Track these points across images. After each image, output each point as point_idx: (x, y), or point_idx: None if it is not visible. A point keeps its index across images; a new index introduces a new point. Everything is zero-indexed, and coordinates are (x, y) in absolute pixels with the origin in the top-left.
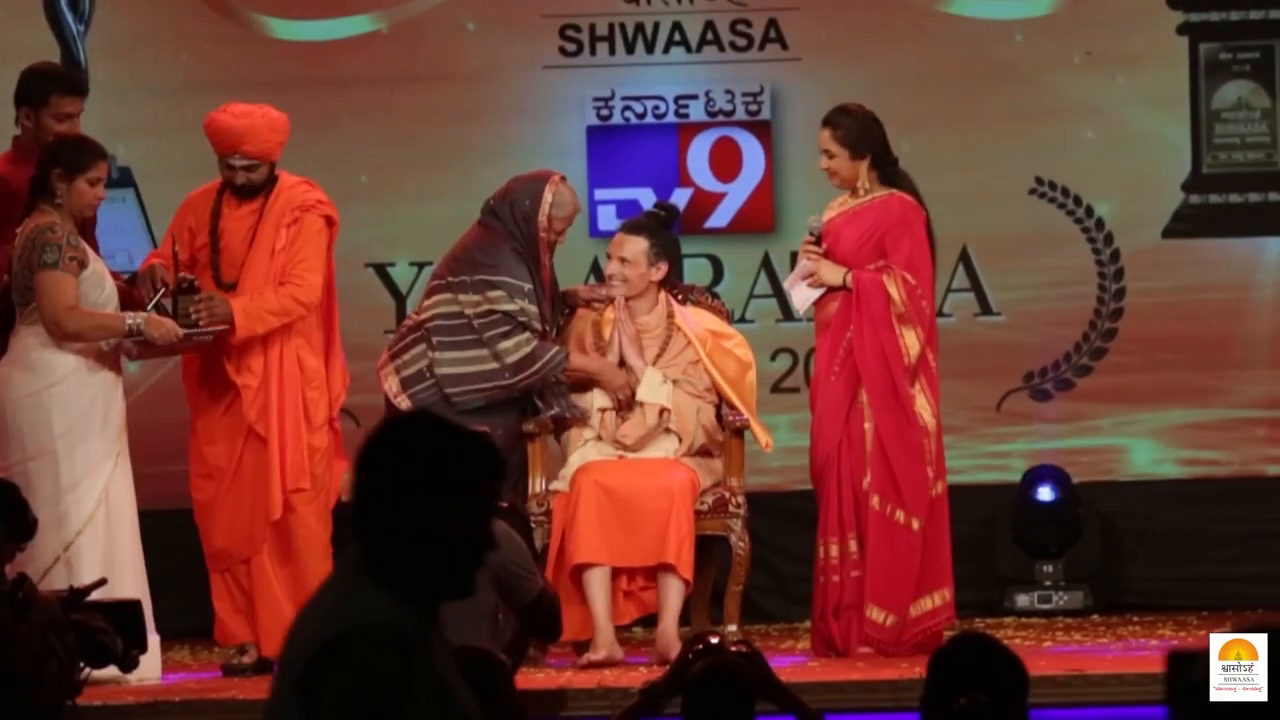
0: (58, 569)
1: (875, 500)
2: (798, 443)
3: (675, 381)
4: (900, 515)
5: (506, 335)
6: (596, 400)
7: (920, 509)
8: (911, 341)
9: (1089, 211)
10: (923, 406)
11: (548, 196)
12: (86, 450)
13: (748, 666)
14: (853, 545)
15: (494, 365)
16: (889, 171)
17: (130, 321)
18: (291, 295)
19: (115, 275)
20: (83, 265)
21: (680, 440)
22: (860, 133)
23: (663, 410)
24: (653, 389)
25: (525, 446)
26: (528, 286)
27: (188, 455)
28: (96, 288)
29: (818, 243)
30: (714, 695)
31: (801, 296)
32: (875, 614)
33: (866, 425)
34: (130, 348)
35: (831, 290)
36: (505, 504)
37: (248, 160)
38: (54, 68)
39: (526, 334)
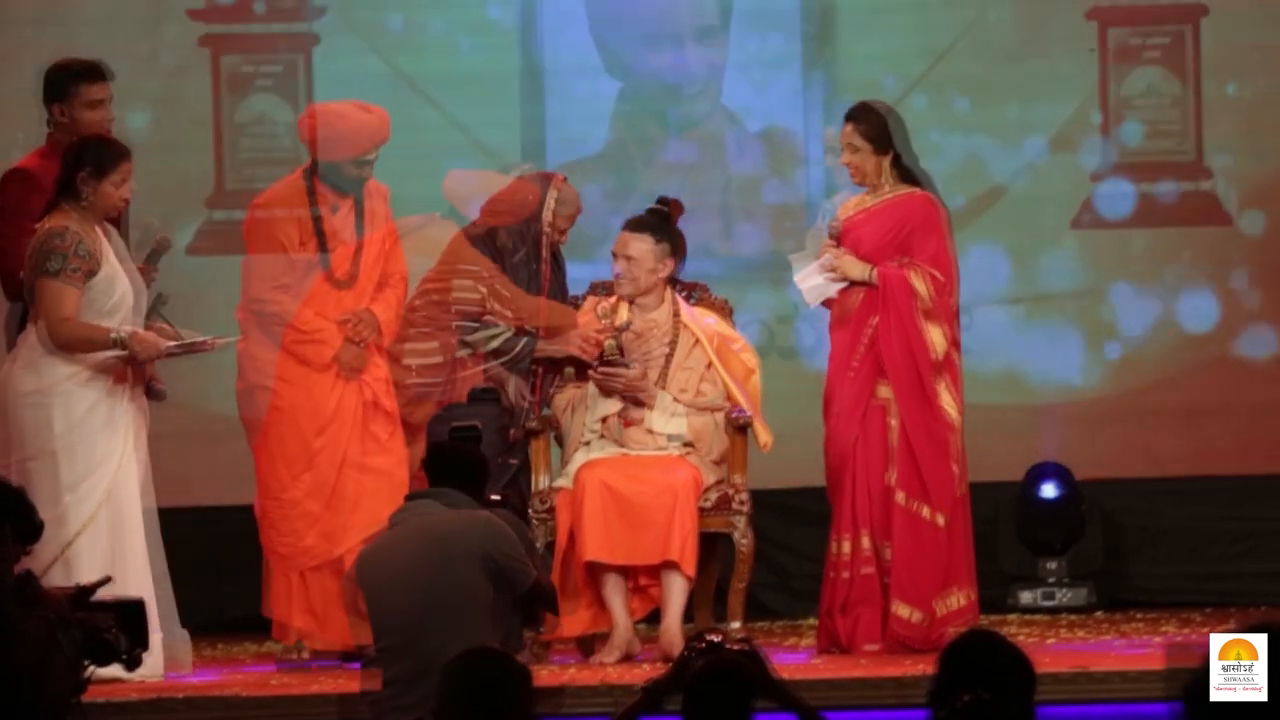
0: (56, 569)
1: (901, 497)
2: (801, 439)
3: (689, 405)
4: (926, 511)
5: (479, 329)
6: (600, 408)
7: (946, 505)
8: (938, 338)
9: None
10: (949, 403)
11: (553, 195)
12: (88, 452)
13: (747, 665)
14: (865, 542)
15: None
16: (907, 169)
17: (114, 335)
18: (399, 298)
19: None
20: (91, 273)
21: (686, 443)
22: (884, 128)
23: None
24: (664, 422)
25: (526, 443)
26: (515, 276)
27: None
28: (105, 294)
29: (837, 242)
30: (713, 693)
31: (816, 290)
32: (902, 610)
33: (892, 421)
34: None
35: (850, 285)
36: (496, 498)
37: (375, 155)
38: (74, 60)
39: (501, 326)
